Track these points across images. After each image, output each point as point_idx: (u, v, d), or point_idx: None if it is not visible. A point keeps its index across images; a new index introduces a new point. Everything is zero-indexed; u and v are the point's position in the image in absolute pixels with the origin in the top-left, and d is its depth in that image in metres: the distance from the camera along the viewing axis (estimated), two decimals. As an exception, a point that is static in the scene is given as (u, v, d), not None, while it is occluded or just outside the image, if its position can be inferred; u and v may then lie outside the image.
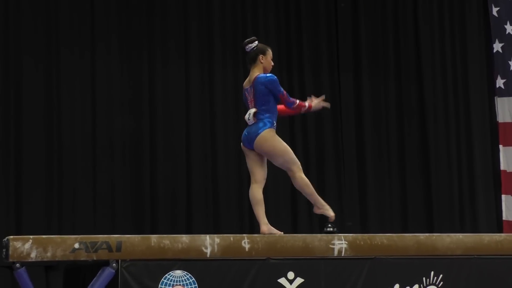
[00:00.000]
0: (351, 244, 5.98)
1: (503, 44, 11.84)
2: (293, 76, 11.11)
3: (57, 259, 5.18)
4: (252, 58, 6.45)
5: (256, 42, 6.47)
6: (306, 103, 6.59)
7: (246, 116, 6.32)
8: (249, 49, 6.46)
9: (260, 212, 6.23)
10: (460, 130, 11.66)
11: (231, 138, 10.76)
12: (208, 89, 10.80)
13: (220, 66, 10.86)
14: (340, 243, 5.93)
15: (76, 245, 5.19)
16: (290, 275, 8.60)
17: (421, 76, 11.63)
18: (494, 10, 11.88)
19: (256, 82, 6.30)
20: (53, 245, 5.16)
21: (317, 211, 6.43)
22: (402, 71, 11.61)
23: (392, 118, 11.50)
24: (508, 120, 11.72)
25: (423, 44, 11.66)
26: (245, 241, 5.71)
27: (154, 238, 5.54)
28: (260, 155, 6.31)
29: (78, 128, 10.20)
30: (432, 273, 8.99)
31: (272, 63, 6.52)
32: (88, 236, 5.32)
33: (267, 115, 6.27)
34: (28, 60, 10.08)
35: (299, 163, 6.30)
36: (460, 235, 6.24)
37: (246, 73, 10.81)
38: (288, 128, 10.75)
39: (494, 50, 11.85)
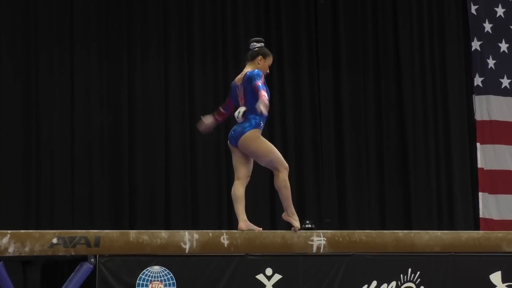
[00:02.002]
0: (329, 241, 5.96)
1: (481, 42, 11.90)
2: (273, 73, 11.10)
3: (35, 254, 5.14)
4: (251, 56, 6.40)
5: (262, 44, 6.43)
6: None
7: (236, 114, 6.29)
8: (253, 47, 6.41)
9: (240, 208, 6.22)
10: (438, 128, 11.71)
11: (210, 135, 10.74)
12: (187, 86, 10.77)
13: (199, 63, 10.83)
14: (319, 240, 5.92)
15: (54, 240, 5.15)
16: (268, 271, 8.63)
17: (400, 74, 11.66)
18: (473, 8, 11.93)
19: (245, 79, 6.28)
20: (31, 240, 5.12)
21: (285, 217, 6.42)
22: (381, 68, 11.64)
23: (370, 115, 11.52)
24: (485, 118, 11.78)
25: (402, 42, 11.69)
26: (224, 237, 5.69)
27: (133, 233, 5.51)
28: (245, 154, 6.30)
29: (56, 124, 10.15)
30: (410, 270, 9.05)
31: (268, 71, 6.48)
32: (67, 231, 5.29)
33: (256, 115, 6.24)
34: (5, 57, 10.04)
35: (286, 165, 6.28)
36: (438, 232, 6.25)
37: (226, 70, 10.90)
38: (267, 124, 10.74)
39: (473, 48, 11.91)
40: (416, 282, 9.03)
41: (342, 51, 11.51)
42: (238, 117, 6.27)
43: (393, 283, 8.94)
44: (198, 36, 10.85)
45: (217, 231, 5.84)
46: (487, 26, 11.93)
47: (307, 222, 9.61)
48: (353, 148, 11.38)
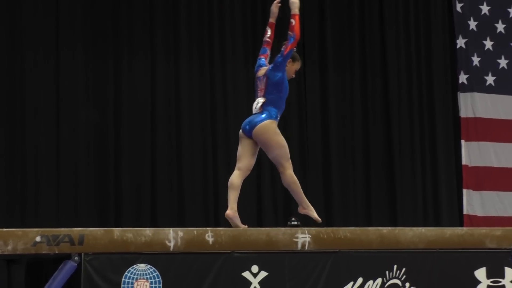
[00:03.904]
0: (314, 238, 5.95)
1: (466, 40, 11.93)
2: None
3: (18, 252, 5.11)
4: None
5: (294, 48, 6.49)
6: (292, 20, 6.53)
7: (254, 105, 6.34)
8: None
9: (232, 197, 6.22)
10: (424, 125, 11.75)
11: (196, 131, 10.75)
12: (173, 83, 10.77)
13: (186, 60, 10.83)
14: (303, 237, 5.90)
15: (38, 238, 5.12)
16: (254, 268, 8.65)
17: (386, 71, 11.68)
18: (458, 6, 11.97)
19: (268, 70, 6.32)
20: (14, 238, 5.09)
21: (302, 211, 6.45)
22: (367, 66, 11.65)
23: (357, 113, 11.54)
24: (470, 115, 11.82)
25: (389, 39, 11.71)
26: (209, 235, 5.67)
27: (117, 231, 5.48)
28: (254, 146, 6.30)
29: (42, 122, 10.13)
30: (395, 266, 9.09)
31: (294, 75, 6.52)
32: (50, 229, 5.26)
33: (274, 107, 6.28)
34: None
35: (290, 160, 6.32)
36: (422, 229, 6.25)
37: (212, 67, 10.89)
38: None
39: (458, 46, 11.94)
40: (402, 279, 9.07)
41: (329, 49, 11.51)
42: (256, 108, 6.30)
43: (379, 280, 8.97)
44: (184, 33, 10.85)
45: (202, 228, 5.81)
46: (472, 24, 11.97)
47: (293, 219, 9.62)
48: (339, 145, 11.40)
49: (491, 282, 9.47)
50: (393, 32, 11.75)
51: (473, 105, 11.83)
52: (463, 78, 11.86)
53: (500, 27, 12.07)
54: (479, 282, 9.41)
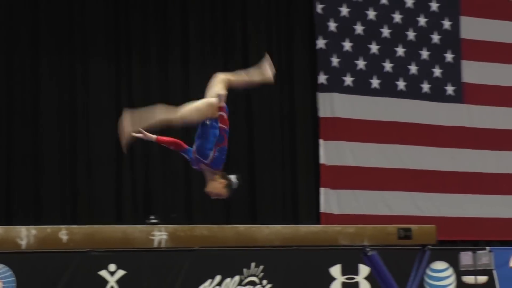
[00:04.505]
0: (171, 235, 5.94)
1: (326, 41, 12.14)
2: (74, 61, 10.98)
3: None
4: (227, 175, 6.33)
5: (236, 181, 6.33)
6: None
7: None
8: (234, 180, 6.32)
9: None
10: (284, 125, 11.89)
11: (53, 127, 10.58)
12: (32, 77, 10.59)
13: (46, 52, 10.64)
14: (160, 234, 5.88)
15: None
16: (112, 267, 8.57)
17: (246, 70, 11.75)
18: (319, 8, 12.16)
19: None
20: None
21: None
22: (229, 62, 11.69)
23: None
24: (328, 115, 12.03)
25: (252, 37, 11.78)
26: (63, 233, 5.56)
27: (-35, 229, 5.32)
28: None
29: None
30: (253, 264, 9.19)
31: (215, 192, 6.35)
32: None
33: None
34: None
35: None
36: (278, 226, 6.34)
37: (73, 61, 10.74)
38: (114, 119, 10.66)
39: (318, 47, 12.13)
40: (259, 276, 9.18)
41: (192, 45, 11.50)
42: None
43: (237, 278, 9.05)
44: (44, 27, 10.66)
45: (56, 226, 5.70)
46: (332, 25, 12.19)
47: (152, 217, 9.59)
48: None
49: (346, 279, 9.71)
50: (255, 29, 11.83)
51: (331, 105, 12.03)
52: (322, 78, 12.07)
53: (359, 28, 12.34)
54: (334, 279, 9.63)
